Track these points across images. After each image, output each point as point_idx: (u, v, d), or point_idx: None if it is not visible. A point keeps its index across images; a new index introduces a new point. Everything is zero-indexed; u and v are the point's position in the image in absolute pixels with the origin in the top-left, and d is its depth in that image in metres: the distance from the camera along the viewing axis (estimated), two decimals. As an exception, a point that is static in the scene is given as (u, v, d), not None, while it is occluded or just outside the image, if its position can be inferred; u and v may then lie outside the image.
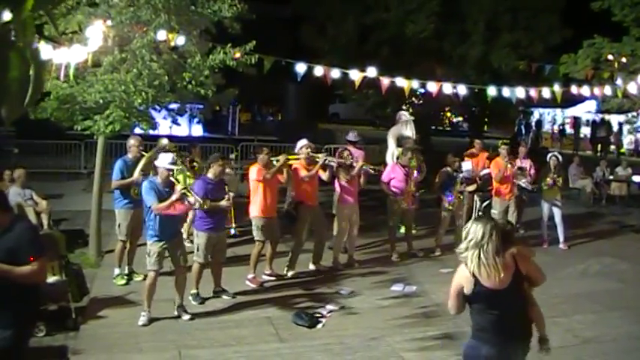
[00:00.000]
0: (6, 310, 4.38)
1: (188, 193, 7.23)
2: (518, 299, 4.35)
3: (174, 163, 7.31)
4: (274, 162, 9.06)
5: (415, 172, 10.72)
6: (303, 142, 9.58)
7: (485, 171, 11.83)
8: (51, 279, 6.76)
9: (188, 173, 9.50)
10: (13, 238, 4.39)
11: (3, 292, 4.32)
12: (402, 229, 10.92)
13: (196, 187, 7.88)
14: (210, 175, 8.14)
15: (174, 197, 7.13)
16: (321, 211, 9.85)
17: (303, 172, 9.29)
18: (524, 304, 4.44)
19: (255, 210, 8.99)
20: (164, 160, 7.30)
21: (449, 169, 10.94)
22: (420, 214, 11.97)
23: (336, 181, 9.89)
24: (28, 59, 1.72)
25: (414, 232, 11.96)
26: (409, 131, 12.63)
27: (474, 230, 4.28)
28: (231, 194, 8.31)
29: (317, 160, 9.36)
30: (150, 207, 7.21)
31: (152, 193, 7.20)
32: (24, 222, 4.81)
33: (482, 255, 4.19)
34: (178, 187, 7.19)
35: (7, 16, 1.71)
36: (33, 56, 1.74)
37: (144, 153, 8.81)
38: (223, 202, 8.00)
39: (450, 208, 10.80)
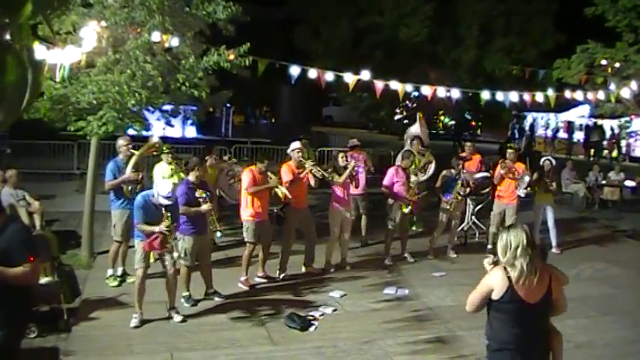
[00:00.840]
0: (-2, 311, 4.37)
1: (169, 236, 7.19)
2: (543, 317, 4.23)
3: (169, 197, 7.21)
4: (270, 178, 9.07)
5: (419, 173, 10.75)
6: (295, 144, 9.55)
7: (480, 174, 11.84)
8: (43, 280, 6.74)
9: (182, 175, 9.49)
10: (6, 239, 4.38)
11: (-5, 292, 4.31)
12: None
13: (179, 190, 7.93)
14: (191, 178, 8.18)
15: (156, 229, 7.08)
16: (311, 214, 9.86)
17: (288, 175, 9.26)
18: (549, 325, 4.33)
19: (245, 213, 9.02)
20: (159, 194, 7.19)
21: (452, 171, 10.94)
22: (420, 217, 12.00)
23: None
24: (25, 63, 1.71)
25: (417, 229, 12.03)
26: (423, 134, 12.80)
27: (515, 238, 4.09)
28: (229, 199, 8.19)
29: (306, 165, 9.35)
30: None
31: (141, 212, 7.20)
32: (16, 223, 4.78)
33: (530, 262, 4.03)
34: (163, 225, 7.11)
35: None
36: (30, 60, 1.73)
37: (134, 152, 8.80)
38: (204, 207, 8.01)
39: (448, 207, 10.78)
